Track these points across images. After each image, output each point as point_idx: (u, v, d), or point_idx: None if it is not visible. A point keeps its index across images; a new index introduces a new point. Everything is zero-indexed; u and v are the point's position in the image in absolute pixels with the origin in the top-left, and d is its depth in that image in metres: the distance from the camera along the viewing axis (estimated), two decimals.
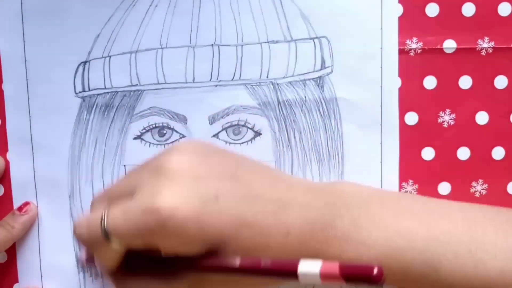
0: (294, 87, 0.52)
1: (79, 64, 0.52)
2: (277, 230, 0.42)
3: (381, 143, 0.51)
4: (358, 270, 0.36)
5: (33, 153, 0.53)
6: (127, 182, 0.45)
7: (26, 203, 0.53)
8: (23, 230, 0.53)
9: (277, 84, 0.51)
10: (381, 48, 0.51)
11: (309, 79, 0.52)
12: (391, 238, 0.43)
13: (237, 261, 0.41)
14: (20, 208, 0.53)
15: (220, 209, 0.41)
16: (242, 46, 0.52)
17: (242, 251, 0.41)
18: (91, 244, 0.44)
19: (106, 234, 0.42)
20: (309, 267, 0.38)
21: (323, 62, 0.51)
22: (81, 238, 0.44)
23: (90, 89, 0.53)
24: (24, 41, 0.52)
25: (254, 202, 0.42)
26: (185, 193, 0.41)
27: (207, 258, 0.42)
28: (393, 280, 0.44)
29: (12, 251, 0.54)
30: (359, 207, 0.45)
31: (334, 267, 0.37)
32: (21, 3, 0.52)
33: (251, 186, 0.43)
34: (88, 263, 0.51)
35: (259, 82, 0.51)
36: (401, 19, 0.50)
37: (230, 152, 0.47)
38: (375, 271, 0.35)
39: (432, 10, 0.50)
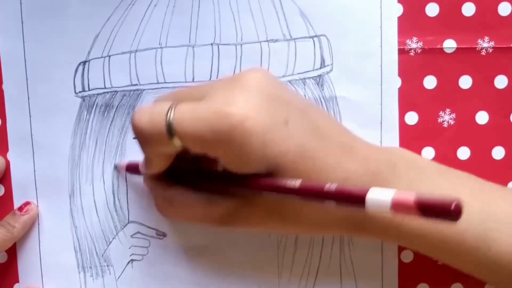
0: (294, 86, 0.51)
1: (79, 64, 0.52)
2: (336, 173, 0.42)
3: (381, 142, 0.51)
4: (435, 202, 0.33)
5: (33, 153, 0.53)
6: (198, 89, 0.44)
7: (27, 203, 0.53)
8: (23, 230, 0.53)
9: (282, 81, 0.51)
10: (381, 46, 0.51)
11: (308, 78, 0.52)
12: None
13: (297, 183, 0.40)
14: (20, 208, 0.53)
15: (288, 134, 0.40)
16: (241, 45, 0.51)
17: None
18: (148, 137, 0.42)
19: (170, 128, 0.40)
20: (380, 194, 0.35)
21: (322, 60, 0.51)
22: (138, 127, 0.42)
23: (90, 88, 0.53)
24: (23, 41, 0.52)
25: (320, 139, 0.42)
26: (257, 107, 0.40)
27: (263, 177, 0.41)
28: (441, 250, 0.45)
29: (12, 251, 0.54)
30: (418, 172, 0.45)
31: (409, 196, 0.34)
32: (21, 3, 0.52)
33: (318, 123, 0.43)
34: (129, 170, 0.51)
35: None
36: (401, 19, 0.50)
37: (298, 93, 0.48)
38: (453, 205, 0.33)
39: (432, 9, 0.50)
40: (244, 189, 0.42)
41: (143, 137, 0.42)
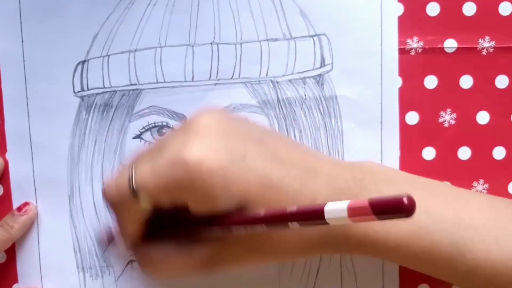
0: (293, 85, 0.51)
1: (78, 64, 0.52)
2: (303, 196, 0.42)
3: (381, 141, 0.51)
4: (388, 202, 0.34)
5: (32, 153, 0.53)
6: (155, 144, 0.46)
7: (26, 203, 0.53)
8: (22, 230, 0.53)
9: (277, 82, 0.51)
10: (381, 45, 0.51)
11: (308, 77, 0.51)
12: (419, 217, 0.41)
13: (261, 211, 0.41)
14: (19, 208, 0.53)
15: (247, 167, 0.41)
16: (241, 44, 0.51)
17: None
18: (119, 205, 0.44)
19: (134, 191, 0.42)
20: (336, 206, 0.36)
21: (322, 60, 0.51)
22: (109, 199, 0.44)
23: (89, 88, 0.52)
24: (22, 41, 0.52)
25: (281, 165, 0.43)
26: (212, 148, 0.41)
27: (232, 214, 0.42)
28: (417, 260, 0.45)
29: (11, 251, 0.54)
30: (388, 184, 0.45)
31: (362, 202, 0.35)
32: (19, 3, 0.52)
33: (277, 151, 0.43)
34: (109, 240, 0.52)
35: (259, 81, 0.51)
36: (401, 18, 0.50)
37: (254, 121, 0.48)
38: (405, 200, 0.33)
39: (433, 9, 0.50)
40: (216, 229, 0.43)
41: (114, 205, 0.45)
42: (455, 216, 0.44)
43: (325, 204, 0.37)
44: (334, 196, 0.43)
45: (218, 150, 0.41)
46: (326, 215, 0.37)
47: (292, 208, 0.39)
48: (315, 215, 0.38)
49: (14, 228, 0.52)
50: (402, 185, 0.46)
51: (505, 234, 0.44)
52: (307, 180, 0.43)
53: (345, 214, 0.36)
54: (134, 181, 0.42)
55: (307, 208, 0.39)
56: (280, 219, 0.40)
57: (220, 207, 0.41)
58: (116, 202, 0.44)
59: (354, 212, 0.36)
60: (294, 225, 0.39)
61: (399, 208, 0.34)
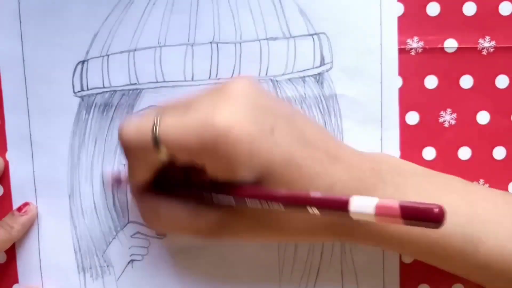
0: (293, 84, 0.51)
1: (78, 64, 0.52)
2: (322, 180, 0.42)
3: (381, 139, 0.51)
4: (418, 209, 0.34)
5: (32, 153, 0.53)
6: (183, 100, 0.44)
7: (26, 204, 0.53)
8: (22, 231, 0.53)
9: (277, 81, 0.51)
10: (381, 44, 0.51)
11: (308, 76, 0.51)
12: None
13: (283, 190, 0.40)
14: (19, 209, 0.53)
15: (274, 142, 0.41)
16: (240, 43, 0.51)
17: (291, 187, 0.41)
18: (134, 149, 0.43)
19: (156, 140, 0.41)
20: (364, 201, 0.36)
21: (322, 58, 0.51)
22: (126, 140, 0.43)
23: (89, 88, 0.52)
24: (22, 41, 0.52)
25: (306, 146, 0.42)
26: (243, 116, 0.40)
27: (250, 186, 0.42)
28: (430, 253, 0.45)
29: (11, 252, 0.54)
30: (403, 177, 0.45)
31: (392, 204, 0.35)
32: (19, 3, 0.52)
33: (304, 131, 0.43)
34: (116, 183, 0.51)
35: (258, 79, 0.51)
36: (401, 18, 0.50)
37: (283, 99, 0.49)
38: (436, 211, 0.33)
39: (433, 9, 0.50)
40: (230, 197, 0.43)
41: (130, 149, 0.43)
42: (469, 210, 0.44)
43: (351, 197, 0.37)
44: (352, 184, 0.43)
45: (249, 120, 0.40)
46: (352, 209, 0.37)
47: (316, 193, 0.39)
48: (339, 206, 0.37)
49: (14, 228, 0.52)
50: (417, 178, 0.46)
51: None
52: (328, 164, 0.43)
53: (373, 211, 0.36)
54: (158, 130, 0.41)
55: (332, 197, 0.38)
56: (302, 202, 0.39)
57: (239, 176, 0.41)
58: (132, 146, 0.43)
59: (382, 212, 0.36)
60: (314, 210, 0.39)
61: (428, 217, 0.34)
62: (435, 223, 0.34)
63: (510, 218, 0.45)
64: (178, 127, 0.41)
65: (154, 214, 0.46)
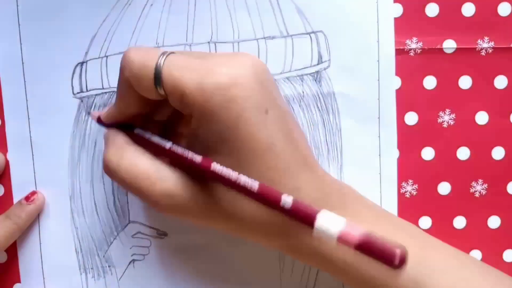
0: (291, 83, 0.51)
1: (77, 65, 0.52)
2: (292, 178, 0.42)
3: (379, 137, 0.51)
4: (381, 246, 0.34)
5: (33, 154, 0.53)
6: (197, 52, 0.45)
7: (33, 192, 0.53)
8: (29, 220, 0.53)
9: (275, 80, 0.51)
10: (378, 41, 0.51)
11: (306, 74, 0.51)
12: None
13: (256, 184, 0.39)
14: (27, 198, 0.53)
15: (264, 122, 0.41)
16: (238, 42, 0.51)
17: (256, 172, 0.41)
18: (133, 71, 0.42)
19: (158, 71, 0.41)
20: (331, 221, 0.36)
21: (320, 56, 0.51)
22: (128, 64, 0.42)
23: (88, 89, 0.52)
24: (21, 43, 0.52)
25: (289, 143, 0.42)
26: (247, 81, 0.40)
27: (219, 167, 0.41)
28: (375, 287, 0.45)
29: (12, 251, 0.54)
30: (364, 208, 0.46)
31: (357, 231, 0.35)
32: (17, 5, 0.52)
33: (292, 130, 0.43)
34: (99, 121, 0.49)
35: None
36: (400, 19, 0.50)
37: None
38: (398, 253, 0.33)
39: (432, 10, 0.50)
40: (198, 165, 0.41)
41: (129, 72, 0.43)
42: (420, 253, 0.44)
43: (320, 211, 0.37)
44: (316, 195, 0.43)
45: (252, 89, 0.40)
46: (316, 227, 0.36)
47: (288, 198, 0.38)
48: (306, 216, 0.37)
49: (22, 217, 0.52)
50: (376, 214, 0.46)
51: (465, 286, 0.44)
52: (303, 168, 0.43)
53: (336, 234, 0.35)
54: (163, 64, 0.41)
55: (302, 206, 0.38)
56: (271, 203, 0.39)
57: (217, 138, 0.41)
58: (132, 75, 0.42)
59: (344, 238, 0.35)
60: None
61: (389, 258, 0.34)
62: (394, 265, 0.34)
63: (456, 271, 0.45)
64: (182, 67, 0.41)
65: (118, 157, 0.44)
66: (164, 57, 0.41)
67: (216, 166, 0.40)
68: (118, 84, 0.45)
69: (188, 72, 0.40)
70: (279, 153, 0.41)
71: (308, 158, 0.44)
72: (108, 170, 0.45)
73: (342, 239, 0.35)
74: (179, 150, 0.43)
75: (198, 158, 0.41)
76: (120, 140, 0.45)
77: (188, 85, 0.40)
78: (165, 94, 0.42)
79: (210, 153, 0.41)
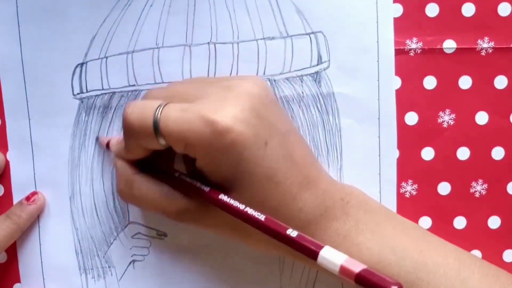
0: (291, 83, 0.51)
1: (76, 66, 0.52)
2: (294, 201, 0.44)
3: (379, 137, 0.51)
4: (376, 282, 0.36)
5: (33, 154, 0.53)
6: (192, 87, 0.46)
7: (34, 193, 0.53)
8: (29, 220, 0.53)
9: (274, 80, 0.51)
10: (377, 41, 0.51)
11: (306, 75, 0.51)
12: (383, 250, 0.44)
13: (262, 216, 0.42)
14: (28, 198, 0.53)
15: (263, 155, 0.42)
16: (238, 43, 0.51)
17: (258, 202, 0.43)
18: (134, 129, 0.44)
19: (156, 126, 0.42)
20: (333, 257, 0.38)
21: (319, 57, 0.51)
22: (128, 120, 0.44)
23: (88, 90, 0.52)
24: (20, 44, 0.52)
25: (290, 167, 0.44)
26: (243, 123, 0.42)
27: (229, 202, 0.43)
28: None
29: (12, 251, 0.54)
30: (366, 214, 0.46)
31: (355, 267, 0.37)
32: (17, 6, 0.52)
33: (293, 151, 0.44)
34: (107, 148, 0.52)
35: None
36: (400, 19, 0.50)
37: (284, 111, 0.50)
38: None
39: (432, 10, 0.50)
40: (207, 195, 0.44)
41: (130, 130, 0.45)
42: (418, 258, 0.45)
43: (323, 247, 0.39)
44: (318, 211, 0.45)
45: (248, 127, 0.41)
46: (319, 259, 0.39)
47: (293, 233, 0.40)
48: (309, 250, 0.39)
49: (22, 217, 0.52)
50: (378, 217, 0.47)
51: (462, 286, 0.45)
52: (305, 189, 0.44)
53: (338, 268, 0.38)
54: (159, 116, 0.42)
55: (307, 241, 0.40)
56: (277, 235, 0.41)
57: (222, 177, 0.43)
58: (134, 128, 0.44)
59: (344, 270, 0.38)
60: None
61: None
62: None
63: (456, 274, 0.45)
64: (178, 118, 0.42)
65: (129, 187, 0.47)
66: (160, 110, 0.43)
67: (223, 197, 0.43)
68: (123, 137, 0.47)
69: (186, 124, 0.42)
70: (279, 181, 0.43)
71: (310, 175, 0.45)
72: (124, 199, 0.49)
73: (343, 273, 0.38)
74: (187, 179, 0.46)
75: (206, 189, 0.44)
76: (128, 172, 0.48)
77: (187, 138, 0.42)
78: (167, 144, 0.44)
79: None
